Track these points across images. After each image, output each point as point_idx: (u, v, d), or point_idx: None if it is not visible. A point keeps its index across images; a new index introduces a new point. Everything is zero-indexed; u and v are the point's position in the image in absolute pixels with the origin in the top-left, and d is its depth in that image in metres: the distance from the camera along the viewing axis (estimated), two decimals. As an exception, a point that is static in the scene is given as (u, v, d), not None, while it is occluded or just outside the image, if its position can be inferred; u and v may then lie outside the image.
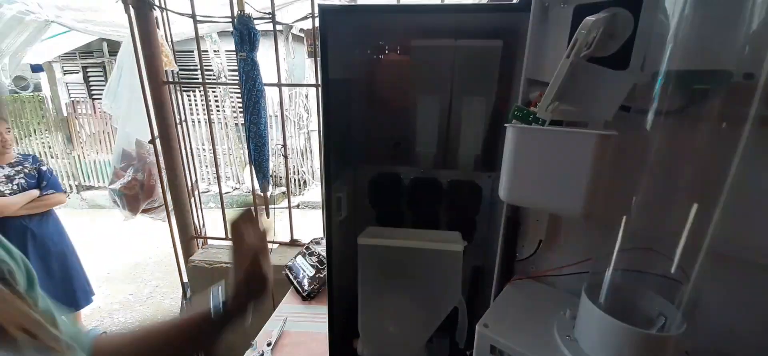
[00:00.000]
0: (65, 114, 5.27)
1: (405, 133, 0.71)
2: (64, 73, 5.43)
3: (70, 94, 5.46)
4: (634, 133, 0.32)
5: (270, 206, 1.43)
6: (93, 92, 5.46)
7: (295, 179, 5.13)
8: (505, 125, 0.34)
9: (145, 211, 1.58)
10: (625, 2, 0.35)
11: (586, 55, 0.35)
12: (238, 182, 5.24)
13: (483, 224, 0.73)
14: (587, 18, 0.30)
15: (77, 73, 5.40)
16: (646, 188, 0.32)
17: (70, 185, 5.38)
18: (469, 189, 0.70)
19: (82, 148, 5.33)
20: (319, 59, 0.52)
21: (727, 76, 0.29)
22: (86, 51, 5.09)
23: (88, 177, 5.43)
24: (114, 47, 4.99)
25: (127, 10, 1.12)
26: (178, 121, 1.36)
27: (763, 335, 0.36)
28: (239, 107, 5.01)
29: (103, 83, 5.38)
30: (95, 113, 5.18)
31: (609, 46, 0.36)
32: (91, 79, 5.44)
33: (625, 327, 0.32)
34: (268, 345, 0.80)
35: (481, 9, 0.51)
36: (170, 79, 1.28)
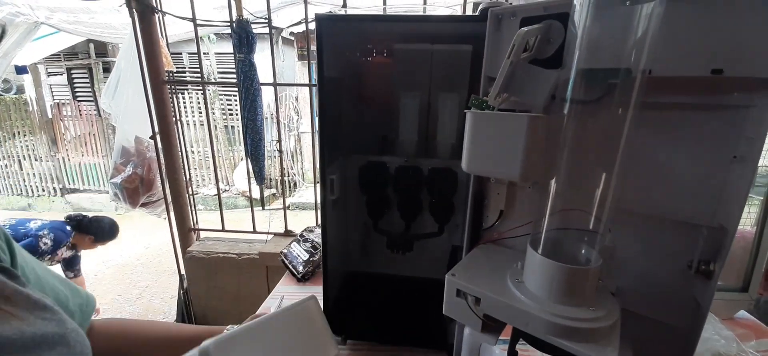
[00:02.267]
0: (50, 116, 5.19)
1: (390, 126, 0.81)
2: (49, 75, 5.37)
3: (53, 96, 5.39)
4: (561, 116, 0.42)
5: (267, 208, 1.51)
6: (77, 94, 5.39)
7: (286, 181, 5.17)
8: (465, 110, 0.44)
9: (143, 205, 1.63)
10: (558, 16, 0.45)
11: (528, 57, 0.45)
12: (228, 184, 5.25)
13: (460, 206, 0.83)
14: (520, 29, 0.40)
15: (62, 75, 5.33)
16: (570, 160, 0.42)
17: (55, 188, 5.30)
18: (447, 175, 0.80)
19: (66, 151, 5.26)
20: (316, 61, 0.61)
21: (626, 72, 0.40)
22: (71, 53, 5.04)
23: (73, 180, 5.35)
24: (100, 49, 4.96)
25: (131, 14, 1.19)
26: (176, 119, 1.43)
27: (668, 274, 0.46)
28: (229, 109, 5.05)
29: (87, 85, 5.32)
30: (80, 114, 5.12)
31: (546, 50, 0.47)
32: (75, 80, 5.37)
33: (557, 265, 0.42)
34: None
35: (453, 19, 0.61)
36: (170, 79, 1.35)
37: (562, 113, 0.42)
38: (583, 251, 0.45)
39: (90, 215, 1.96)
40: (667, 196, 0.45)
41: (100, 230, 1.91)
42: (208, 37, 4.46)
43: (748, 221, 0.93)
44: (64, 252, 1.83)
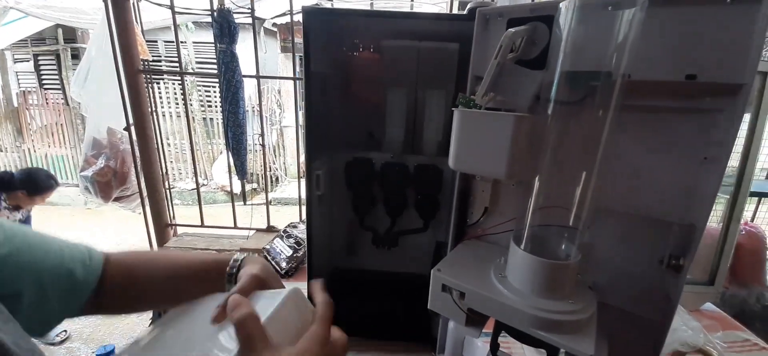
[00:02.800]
0: (16, 105, 4.90)
1: (377, 122, 0.81)
2: (15, 62, 5.05)
3: (19, 83, 5.08)
4: (545, 117, 0.43)
5: (248, 203, 1.48)
6: (44, 82, 5.10)
7: (268, 176, 5.09)
8: (452, 108, 0.44)
9: (116, 199, 1.57)
10: (543, 18, 0.46)
11: (514, 57, 0.46)
12: (207, 178, 5.11)
13: (445, 203, 0.84)
14: (507, 30, 0.41)
15: (28, 61, 5.03)
16: (552, 159, 0.44)
17: (19, 181, 4.98)
18: (432, 172, 0.80)
19: (32, 141, 4.98)
20: (302, 55, 0.60)
21: (607, 75, 0.41)
22: (38, 38, 4.76)
23: (40, 172, 5.04)
24: (69, 34, 4.70)
25: (104, -2, 1.13)
26: (151, 111, 1.38)
27: (642, 269, 0.48)
28: (207, 101, 4.90)
29: (55, 72, 5.04)
30: (47, 103, 4.84)
31: (532, 51, 0.48)
32: (42, 67, 5.08)
33: (539, 260, 0.43)
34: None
35: (440, 17, 0.61)
36: (145, 68, 1.30)
37: (545, 114, 0.43)
38: (563, 247, 0.46)
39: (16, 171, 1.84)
40: (643, 195, 0.47)
41: (29, 184, 1.80)
42: (186, 26, 4.30)
43: (714, 218, 0.99)
44: (6, 214, 1.72)
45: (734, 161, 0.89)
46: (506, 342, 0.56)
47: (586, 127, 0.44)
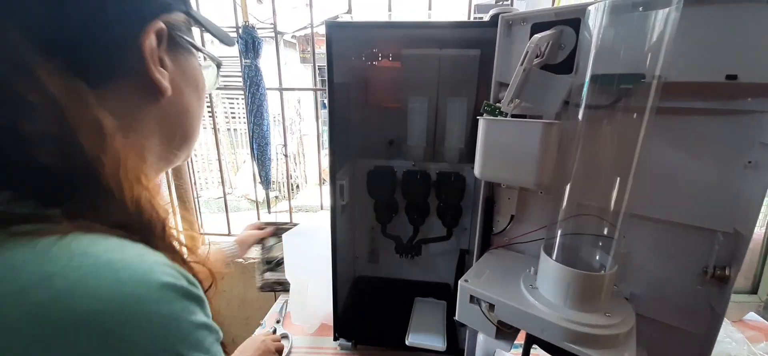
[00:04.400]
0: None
1: (398, 130, 0.81)
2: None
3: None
4: (574, 122, 0.42)
5: (273, 210, 1.51)
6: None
7: (290, 184, 5.18)
8: (477, 117, 0.44)
9: (149, 210, 1.64)
10: (569, 21, 0.45)
11: (540, 63, 0.46)
12: (231, 186, 5.26)
13: (467, 210, 0.83)
14: (535, 36, 0.40)
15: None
16: (584, 166, 0.42)
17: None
18: (455, 179, 0.80)
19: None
20: (326, 67, 0.61)
21: (640, 77, 0.40)
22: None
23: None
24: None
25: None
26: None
27: (683, 279, 0.46)
28: (231, 113, 5.06)
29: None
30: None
31: (558, 55, 0.47)
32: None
33: (572, 271, 0.42)
34: (278, 322, 0.88)
35: (460, 25, 0.61)
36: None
37: (575, 119, 0.42)
38: (597, 256, 0.45)
39: None
40: (682, 201, 0.45)
41: None
42: (211, 42, 4.47)
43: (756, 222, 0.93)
44: None
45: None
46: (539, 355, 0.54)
47: (619, 131, 0.42)
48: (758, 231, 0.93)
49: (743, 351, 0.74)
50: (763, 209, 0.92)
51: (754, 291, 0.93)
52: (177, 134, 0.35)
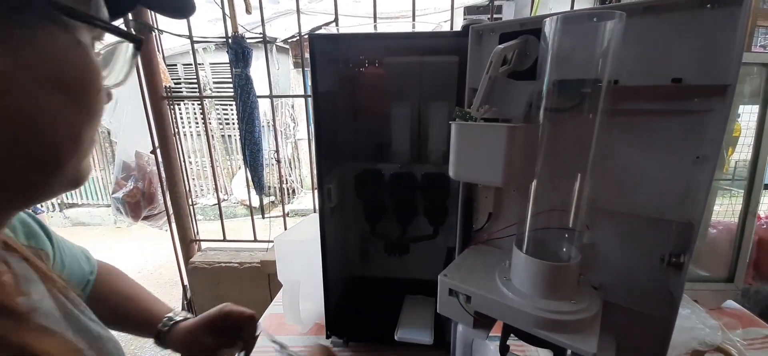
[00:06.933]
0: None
1: (384, 134, 0.84)
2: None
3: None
4: (538, 125, 0.45)
5: (267, 216, 1.54)
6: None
7: (285, 188, 5.19)
8: (450, 122, 0.47)
9: (145, 218, 1.66)
10: (533, 31, 0.49)
11: (507, 70, 0.49)
12: (226, 193, 5.26)
13: (453, 209, 0.86)
14: (498, 46, 0.44)
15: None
16: (548, 164, 0.46)
17: (52, 204, 5.29)
18: (440, 180, 0.83)
19: (65, 165, 5.24)
20: (310, 75, 0.64)
21: (595, 82, 0.43)
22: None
23: (72, 194, 5.35)
24: (97, 64, 4.97)
25: (128, 34, 1.22)
26: (174, 133, 1.46)
27: (644, 267, 0.49)
28: (225, 120, 5.08)
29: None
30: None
31: (524, 63, 0.50)
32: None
33: (538, 262, 0.45)
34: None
35: (438, 35, 0.65)
36: (168, 94, 1.38)
37: (539, 122, 0.45)
38: (564, 248, 0.48)
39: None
40: (641, 195, 0.48)
41: None
42: (204, 49, 4.49)
43: (730, 213, 0.97)
44: None
45: (745, 154, 0.88)
46: (520, 346, 0.58)
47: (579, 132, 0.46)
48: (733, 222, 0.97)
49: (717, 337, 0.77)
50: (737, 201, 0.97)
51: (730, 279, 0.97)
52: (18, 155, 0.22)
